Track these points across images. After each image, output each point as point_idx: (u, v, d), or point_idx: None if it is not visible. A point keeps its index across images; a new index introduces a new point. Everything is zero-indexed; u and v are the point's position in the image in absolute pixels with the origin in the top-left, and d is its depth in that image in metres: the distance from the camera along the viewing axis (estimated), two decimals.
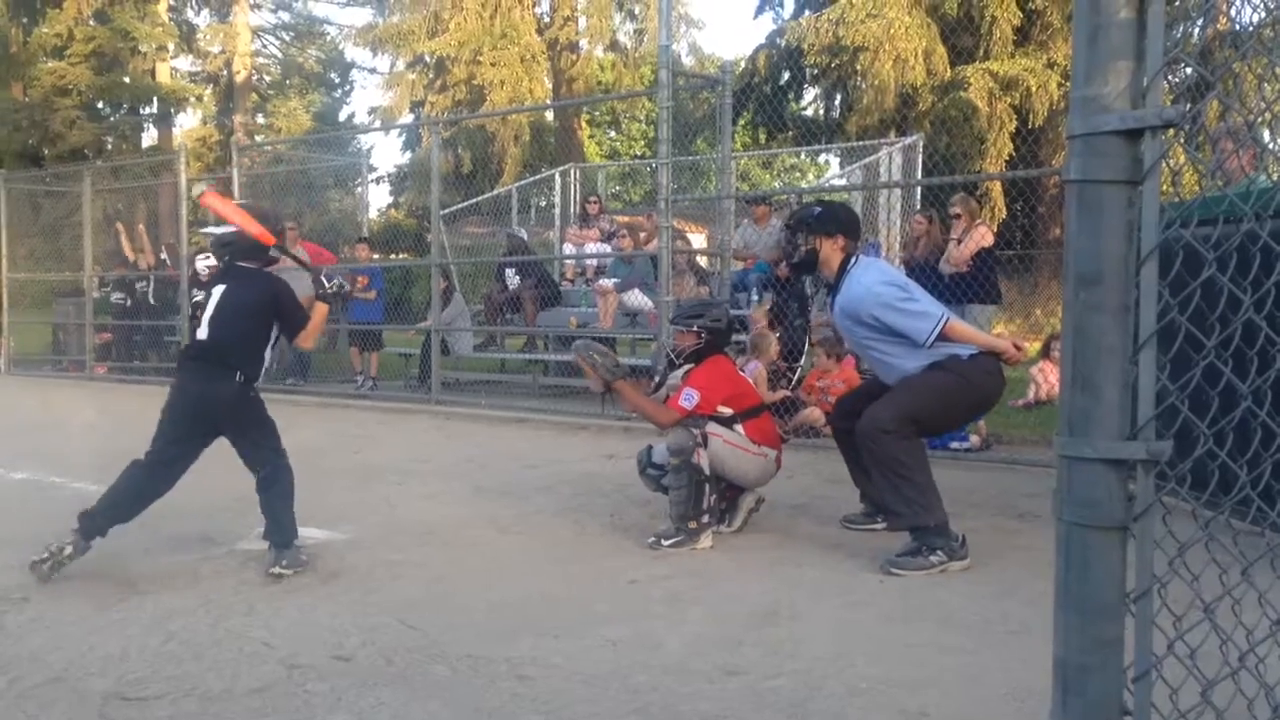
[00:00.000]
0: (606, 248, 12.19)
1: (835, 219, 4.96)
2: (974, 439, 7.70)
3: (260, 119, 35.26)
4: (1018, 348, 4.85)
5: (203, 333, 4.50)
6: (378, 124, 32.14)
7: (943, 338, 4.60)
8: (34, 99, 29.53)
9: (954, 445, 7.56)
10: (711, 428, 4.96)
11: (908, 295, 4.72)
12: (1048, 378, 9.37)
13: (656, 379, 5.44)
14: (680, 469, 4.91)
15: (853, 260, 4.87)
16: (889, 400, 4.66)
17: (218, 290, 4.56)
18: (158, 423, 4.42)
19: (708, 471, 4.91)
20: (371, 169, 21.87)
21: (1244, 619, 1.93)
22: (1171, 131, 1.60)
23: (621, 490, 6.05)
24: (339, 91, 39.55)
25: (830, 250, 4.88)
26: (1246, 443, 1.92)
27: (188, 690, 3.14)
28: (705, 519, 4.94)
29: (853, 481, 5.30)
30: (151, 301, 14.16)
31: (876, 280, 4.76)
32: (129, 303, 14.42)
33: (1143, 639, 1.63)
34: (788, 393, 8.55)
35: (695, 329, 5.17)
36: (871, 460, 4.69)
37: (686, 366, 5.21)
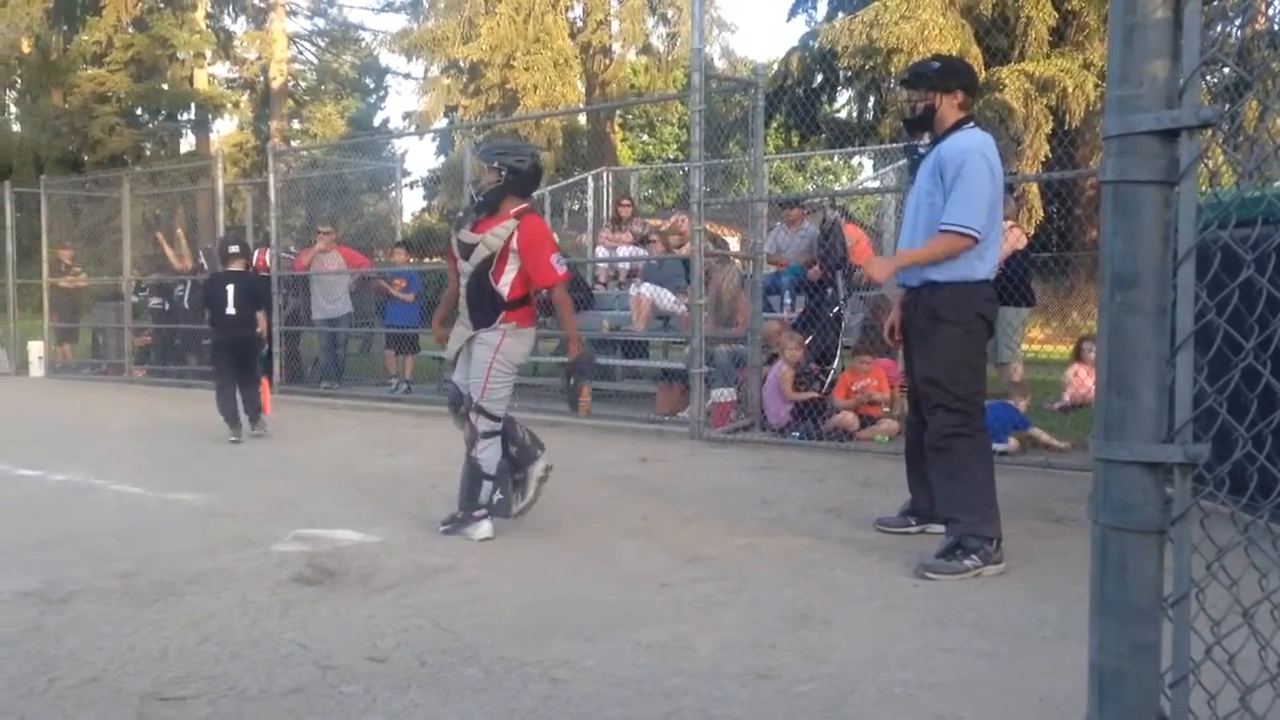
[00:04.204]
0: (640, 251, 12.21)
1: (955, 73, 4.70)
2: (1011, 443, 7.63)
3: (296, 124, 35.63)
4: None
5: None
6: (412, 129, 32.31)
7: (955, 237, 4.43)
8: (74, 106, 30.03)
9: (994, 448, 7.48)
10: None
11: (989, 186, 4.45)
12: (1083, 381, 9.28)
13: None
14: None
15: (969, 125, 4.59)
16: (932, 403, 4.61)
17: None
18: None
19: None
20: (405, 173, 22.09)
21: None
22: (1209, 131, 1.59)
23: (654, 494, 6.05)
24: (374, 97, 39.88)
25: (948, 107, 4.60)
26: None
27: (224, 690, 3.17)
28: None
29: (908, 483, 5.18)
30: (186, 306, 14.07)
31: (987, 148, 4.51)
32: (167, 307, 14.53)
33: (1180, 644, 1.61)
34: (817, 394, 8.52)
35: (496, 165, 5.02)
36: (935, 466, 4.64)
37: (506, 225, 5.05)
